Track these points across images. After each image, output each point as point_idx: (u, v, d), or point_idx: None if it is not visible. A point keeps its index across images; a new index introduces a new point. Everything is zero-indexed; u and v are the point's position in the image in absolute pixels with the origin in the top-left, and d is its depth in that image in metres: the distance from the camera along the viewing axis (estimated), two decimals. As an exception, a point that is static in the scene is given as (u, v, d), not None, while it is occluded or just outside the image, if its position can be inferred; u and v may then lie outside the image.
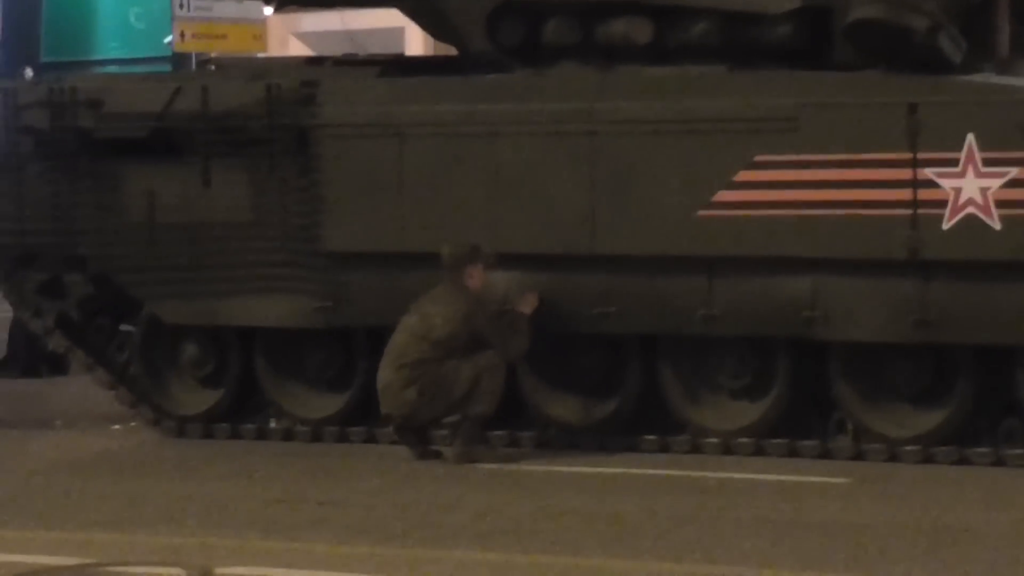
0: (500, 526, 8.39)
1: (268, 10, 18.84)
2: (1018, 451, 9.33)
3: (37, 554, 7.72)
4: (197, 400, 11.02)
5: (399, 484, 9.36)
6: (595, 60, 10.04)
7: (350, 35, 20.10)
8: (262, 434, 10.83)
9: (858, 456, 9.60)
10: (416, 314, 9.75)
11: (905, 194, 9.06)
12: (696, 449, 9.86)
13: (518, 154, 9.85)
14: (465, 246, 9.70)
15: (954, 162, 8.94)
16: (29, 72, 20.80)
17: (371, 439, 10.39)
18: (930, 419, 9.52)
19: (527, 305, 9.74)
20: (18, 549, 7.81)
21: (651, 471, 9.54)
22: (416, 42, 18.23)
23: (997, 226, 8.86)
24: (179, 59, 22.83)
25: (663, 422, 10.01)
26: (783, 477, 9.29)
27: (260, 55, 21.00)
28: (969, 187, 8.94)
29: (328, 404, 10.66)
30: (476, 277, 9.71)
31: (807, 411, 9.86)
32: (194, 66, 20.22)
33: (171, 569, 7.33)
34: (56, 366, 12.73)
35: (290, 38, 24.54)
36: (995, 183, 8.87)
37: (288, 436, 10.74)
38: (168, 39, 25.40)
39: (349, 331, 10.44)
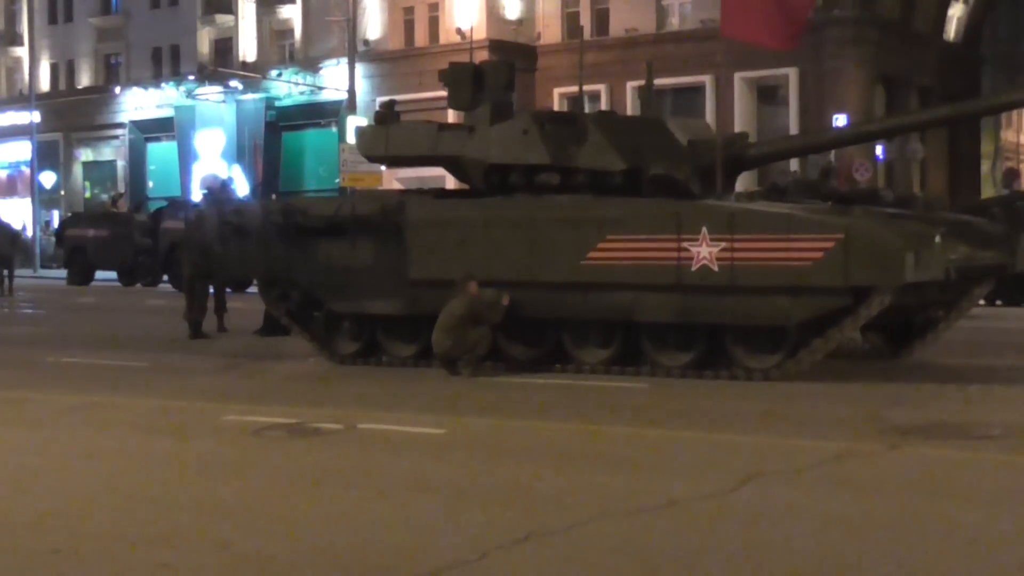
0: (489, 404, 8.52)
1: (383, 167, 19.14)
2: (726, 372, 9.47)
3: (274, 417, 7.74)
4: (348, 347, 11.31)
5: (441, 386, 9.61)
6: (533, 192, 10.35)
7: (420, 179, 20.86)
8: (379, 363, 11.07)
9: (653, 374, 9.76)
10: (448, 306, 10.00)
11: (675, 253, 9.35)
12: (579, 371, 10.07)
13: (498, 234, 10.18)
14: (466, 273, 9.99)
15: (697, 240, 9.27)
16: (273, 196, 21.34)
17: (428, 366, 10.56)
18: (686, 356, 9.69)
19: (504, 299, 9.97)
20: (262, 414, 7.86)
21: (555, 380, 9.76)
22: (451, 182, 17.52)
23: (716, 269, 9.22)
24: (342, 190, 23.35)
25: (563, 358, 10.24)
26: (622, 384, 9.47)
27: (379, 188, 21.54)
28: (703, 251, 9.26)
29: (409, 349, 10.94)
30: (472, 287, 9.98)
31: (631, 354, 10.00)
32: (348, 194, 20.01)
33: (334, 424, 7.43)
34: (285, 331, 12.36)
35: (393, 180, 24.98)
36: (715, 248, 9.21)
37: (391, 364, 10.99)
38: (337, 180, 26.24)
39: (419, 316, 10.63)
